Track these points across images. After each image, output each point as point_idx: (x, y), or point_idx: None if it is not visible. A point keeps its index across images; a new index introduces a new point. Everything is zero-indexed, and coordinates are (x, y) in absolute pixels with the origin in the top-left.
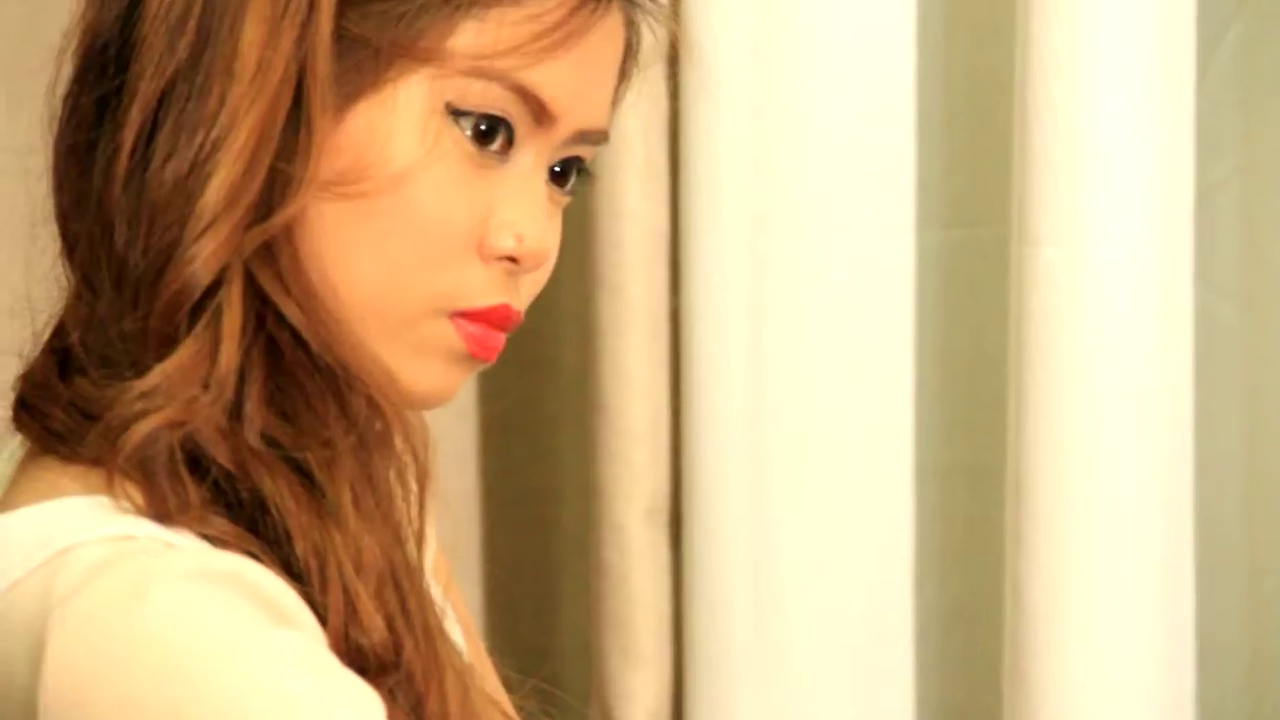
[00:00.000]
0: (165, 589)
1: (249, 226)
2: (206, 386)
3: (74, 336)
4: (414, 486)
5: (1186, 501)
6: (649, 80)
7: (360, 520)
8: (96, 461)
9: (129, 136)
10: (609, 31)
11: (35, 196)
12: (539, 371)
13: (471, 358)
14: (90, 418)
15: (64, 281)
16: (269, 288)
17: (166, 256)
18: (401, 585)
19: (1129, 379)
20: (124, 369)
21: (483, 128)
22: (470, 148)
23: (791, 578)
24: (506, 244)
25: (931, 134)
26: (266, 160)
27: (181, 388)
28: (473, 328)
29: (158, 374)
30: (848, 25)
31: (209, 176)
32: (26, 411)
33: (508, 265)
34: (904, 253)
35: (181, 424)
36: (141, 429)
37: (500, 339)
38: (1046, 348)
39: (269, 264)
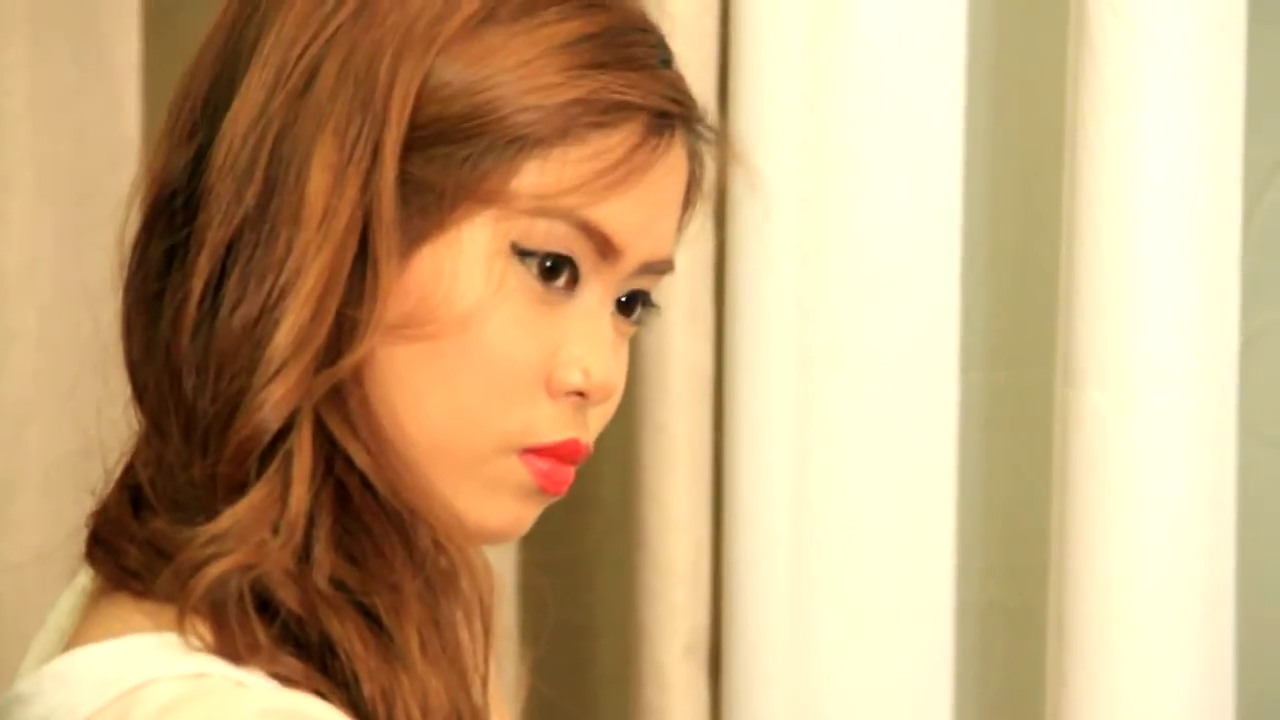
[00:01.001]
0: None
1: (317, 371)
2: (276, 530)
3: (144, 476)
4: (480, 629)
5: (1228, 650)
6: (695, 218)
7: (427, 664)
8: (168, 600)
9: (197, 285)
10: (673, 164)
11: (106, 341)
12: (578, 508)
13: (542, 492)
14: (163, 556)
15: (134, 422)
16: (337, 432)
17: (235, 403)
18: None
19: (1172, 522)
20: (194, 511)
21: (548, 265)
22: (536, 285)
23: (831, 718)
24: (574, 379)
25: (976, 276)
26: (334, 305)
27: (252, 531)
28: (542, 463)
29: (228, 518)
30: (896, 167)
31: (277, 323)
32: (100, 547)
33: (575, 400)
34: (948, 394)
35: (251, 567)
36: (213, 572)
37: (570, 473)
38: (1090, 489)
39: (337, 408)
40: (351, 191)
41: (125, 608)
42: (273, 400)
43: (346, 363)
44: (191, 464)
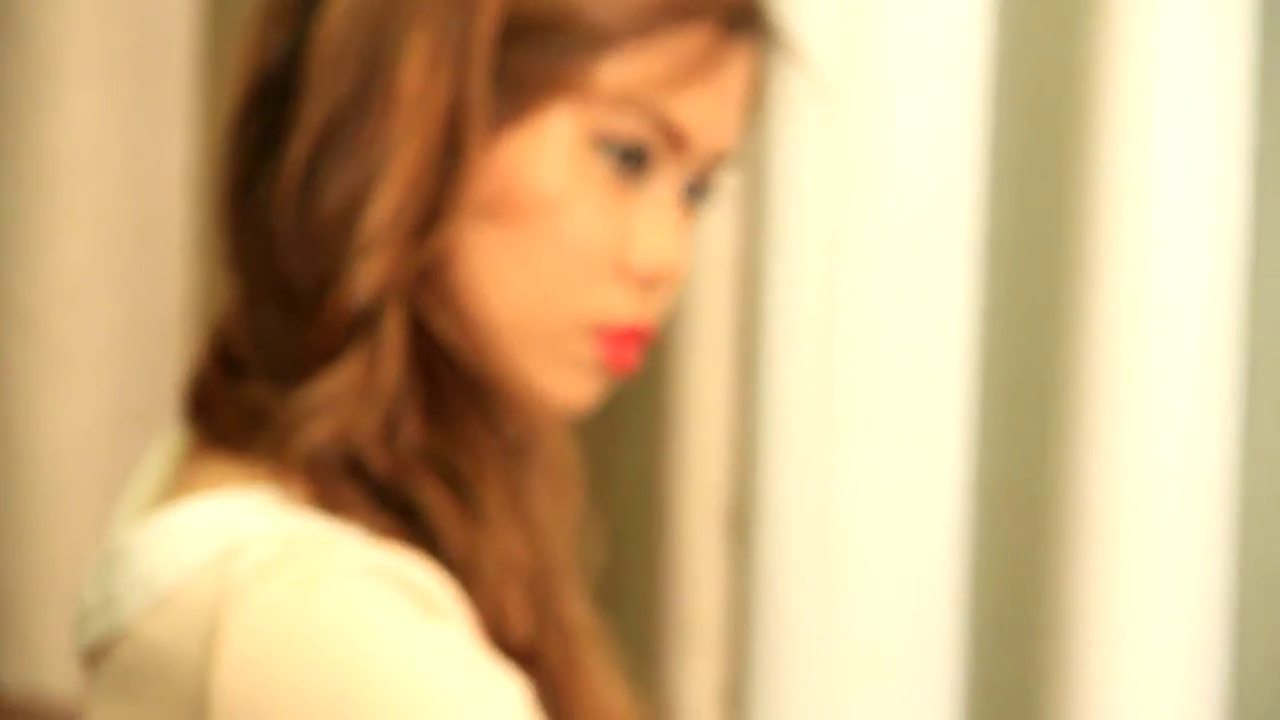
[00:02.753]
0: (333, 582)
1: (408, 251)
2: (367, 400)
3: (238, 343)
4: (557, 497)
5: (1228, 533)
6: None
7: (507, 526)
8: (264, 460)
9: (295, 164)
10: (742, 62)
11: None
12: None
13: (608, 370)
14: (259, 420)
15: (224, 292)
16: (425, 308)
17: (329, 278)
18: (545, 588)
19: (1179, 413)
20: (289, 379)
21: (624, 155)
22: (612, 175)
23: (850, 590)
24: (646, 265)
25: (998, 174)
26: (424, 188)
27: (345, 400)
28: (611, 345)
29: (324, 386)
30: (922, 73)
31: (371, 203)
32: (195, 409)
33: (645, 283)
34: (963, 280)
35: (345, 433)
36: (311, 436)
37: (635, 355)
38: (1101, 377)
39: (425, 286)
40: (444, 78)
41: (222, 466)
42: (365, 277)
43: (435, 243)
44: (286, 333)
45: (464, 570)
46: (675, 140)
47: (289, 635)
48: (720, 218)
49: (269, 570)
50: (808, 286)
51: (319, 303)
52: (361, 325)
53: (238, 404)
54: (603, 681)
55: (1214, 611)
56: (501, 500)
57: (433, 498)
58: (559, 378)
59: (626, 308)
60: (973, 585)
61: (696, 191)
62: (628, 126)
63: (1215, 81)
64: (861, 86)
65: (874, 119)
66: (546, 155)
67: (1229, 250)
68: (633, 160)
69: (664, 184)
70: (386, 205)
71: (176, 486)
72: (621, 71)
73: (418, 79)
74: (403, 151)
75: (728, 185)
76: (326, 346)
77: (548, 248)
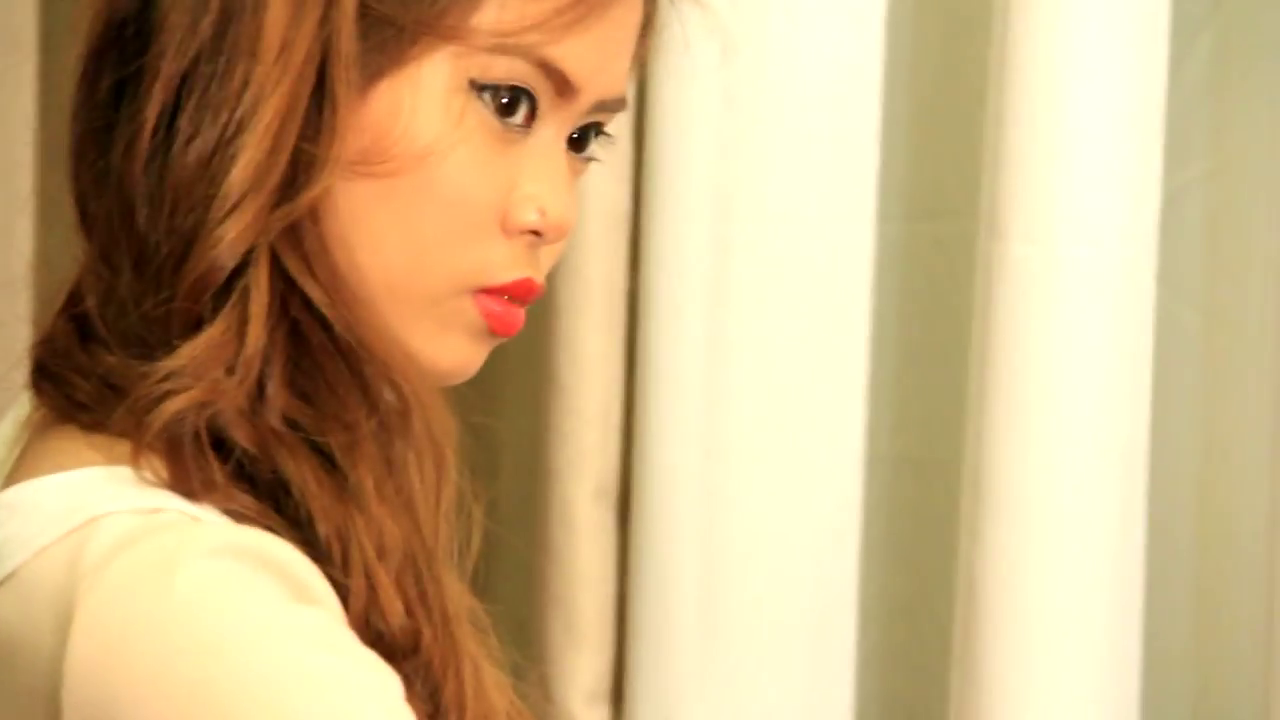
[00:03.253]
0: (194, 563)
1: (274, 208)
2: (231, 369)
3: (93, 308)
4: (433, 471)
5: (1140, 501)
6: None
7: (381, 504)
8: (121, 434)
9: (150, 116)
10: (630, 3)
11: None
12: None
13: (492, 334)
14: (115, 390)
15: (77, 252)
16: (294, 269)
17: (191, 238)
18: (421, 572)
19: (1091, 377)
20: (147, 346)
21: (505, 100)
22: (494, 122)
23: (738, 563)
24: (530, 218)
25: (898, 126)
26: (291, 141)
27: (208, 369)
28: (494, 305)
29: (185, 354)
30: (820, 12)
31: (234, 158)
32: (47, 379)
33: (530, 239)
34: (864, 243)
35: (208, 404)
36: (169, 408)
37: (520, 315)
38: (1012, 343)
39: (294, 245)
40: (310, 24)
41: (75, 440)
42: (229, 236)
43: (304, 199)
44: (144, 298)
45: (336, 553)
46: (560, 87)
47: (146, 618)
48: (608, 179)
49: (125, 550)
50: (695, 249)
51: (179, 264)
52: (225, 289)
53: (92, 374)
54: (484, 673)
55: (1125, 595)
56: (376, 478)
57: (301, 473)
58: (439, 341)
59: (511, 265)
60: (868, 569)
61: (583, 142)
62: (509, 72)
63: (1129, 23)
64: (754, 26)
65: (768, 60)
66: (422, 104)
67: (1145, 204)
68: (515, 107)
69: (549, 133)
70: (251, 159)
71: (26, 460)
72: (502, 15)
73: (282, 24)
74: (268, 102)
75: (614, 135)
76: (188, 312)
77: (425, 202)
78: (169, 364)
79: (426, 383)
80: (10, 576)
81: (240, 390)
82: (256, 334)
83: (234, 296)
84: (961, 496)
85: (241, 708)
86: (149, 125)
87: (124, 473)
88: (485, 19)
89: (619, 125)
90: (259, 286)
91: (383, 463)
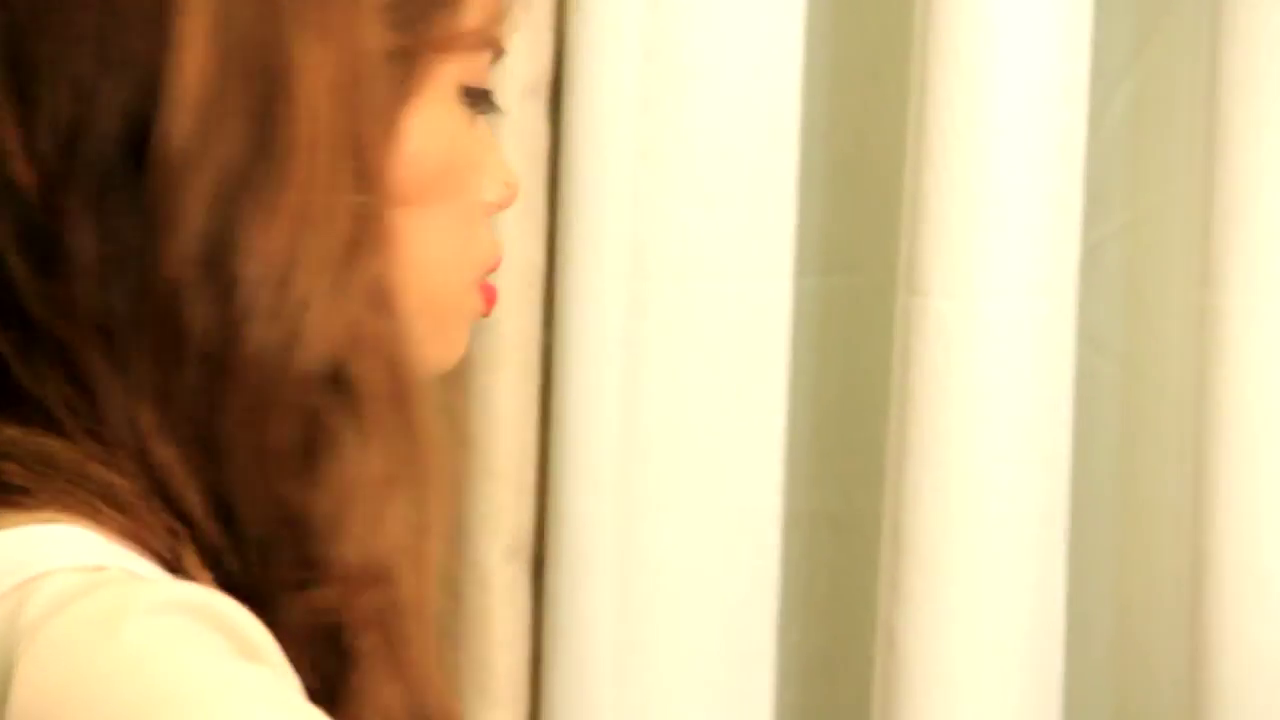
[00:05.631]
0: (139, 619)
1: (347, 284)
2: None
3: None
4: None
5: (1060, 554)
6: (530, 114)
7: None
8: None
9: (197, 216)
10: None
11: None
12: None
13: (482, 314)
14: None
15: None
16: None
17: (278, 335)
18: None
19: (1011, 430)
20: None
21: (483, 97)
22: (472, 116)
23: (654, 621)
24: (502, 193)
25: (814, 179)
26: (344, 211)
27: (378, 487)
28: (486, 288)
29: (345, 483)
30: (734, 65)
31: (295, 254)
32: None
33: (494, 211)
34: (780, 298)
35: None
36: (373, 550)
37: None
38: (931, 397)
39: (376, 307)
40: (344, 97)
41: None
42: (318, 325)
43: (375, 258)
44: (215, 401)
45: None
46: (495, 59)
47: (90, 672)
48: (521, 233)
49: (67, 605)
50: (610, 304)
51: (274, 382)
52: (325, 391)
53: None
54: None
55: (1045, 649)
56: None
57: None
58: (455, 340)
59: (496, 243)
60: (786, 624)
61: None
62: (484, 68)
63: (1048, 74)
64: (669, 78)
65: (683, 113)
66: (433, 121)
67: (1064, 257)
68: (486, 98)
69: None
70: (315, 249)
71: None
72: (478, 13)
73: (320, 108)
74: (316, 187)
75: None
76: (294, 424)
77: (450, 213)
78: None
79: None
80: None
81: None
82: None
83: (340, 393)
84: (881, 551)
85: None
86: (196, 227)
87: (66, 530)
88: (468, 21)
89: (535, 178)
90: (364, 370)
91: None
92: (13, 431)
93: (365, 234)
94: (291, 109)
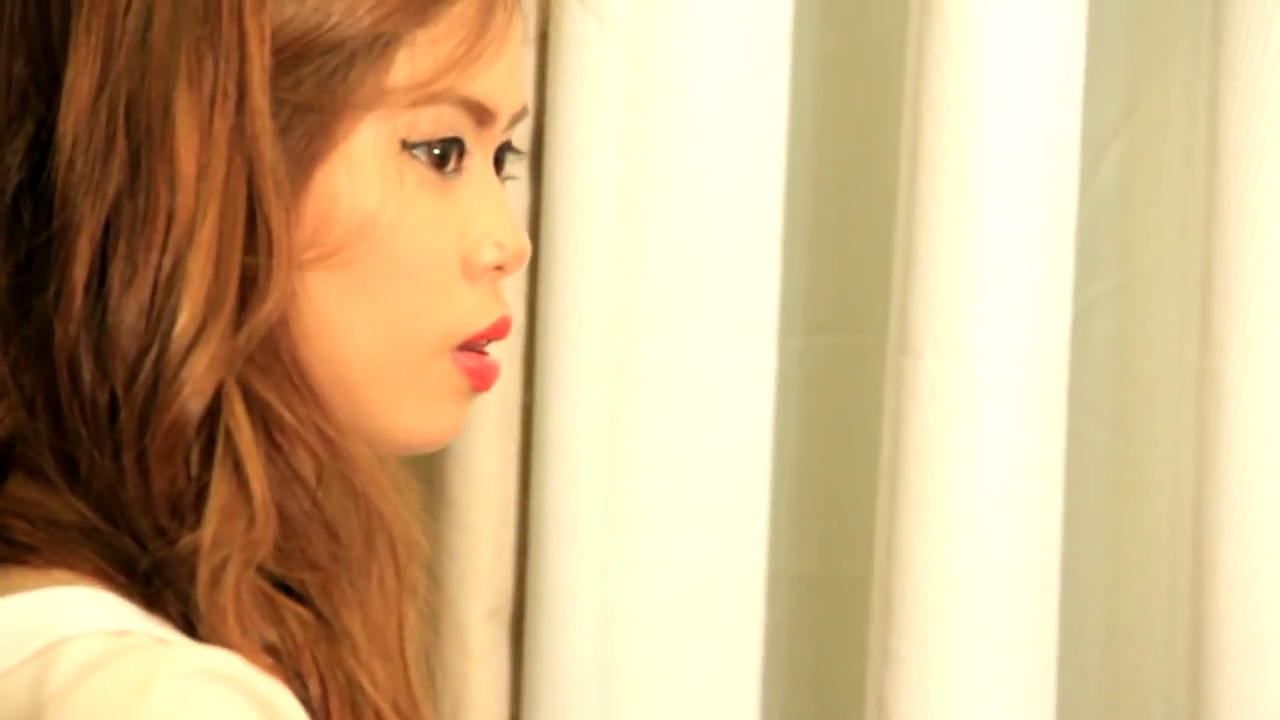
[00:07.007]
0: (165, 686)
1: (236, 331)
2: (251, 520)
3: (48, 464)
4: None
5: (1052, 619)
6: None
7: (370, 646)
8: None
9: (79, 276)
10: (513, 11)
11: None
12: None
13: (473, 391)
14: (82, 533)
15: None
16: (268, 393)
17: (152, 388)
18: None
19: (1002, 493)
20: (121, 506)
21: (437, 152)
22: (432, 175)
23: (635, 686)
24: (492, 256)
25: (800, 237)
26: (236, 258)
27: (233, 535)
28: (471, 361)
29: (209, 531)
30: (717, 118)
31: (179, 293)
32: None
33: (493, 275)
34: (765, 359)
35: (249, 562)
36: (227, 582)
37: (495, 367)
38: (923, 458)
39: (264, 368)
40: (223, 136)
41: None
42: (196, 374)
43: (264, 313)
44: (107, 458)
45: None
46: (481, 118)
47: None
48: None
49: (94, 672)
50: (592, 364)
51: (144, 420)
52: (202, 434)
53: (38, 519)
54: None
55: (1037, 715)
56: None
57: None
58: (428, 412)
59: (483, 310)
60: (769, 691)
61: (501, 162)
62: (436, 122)
63: (1041, 133)
64: (651, 132)
65: (665, 172)
66: (360, 180)
67: (1056, 319)
68: (449, 155)
69: (478, 165)
70: (197, 290)
71: None
72: (415, 68)
73: (194, 146)
74: (201, 229)
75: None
76: (168, 469)
77: (390, 276)
78: (196, 539)
79: (415, 451)
80: None
81: (268, 536)
82: (257, 474)
83: (219, 442)
84: (871, 615)
85: None
86: (79, 284)
87: (87, 593)
88: (400, 76)
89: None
90: (238, 422)
91: (357, 602)
92: (20, 490)
93: (258, 288)
94: (165, 165)
